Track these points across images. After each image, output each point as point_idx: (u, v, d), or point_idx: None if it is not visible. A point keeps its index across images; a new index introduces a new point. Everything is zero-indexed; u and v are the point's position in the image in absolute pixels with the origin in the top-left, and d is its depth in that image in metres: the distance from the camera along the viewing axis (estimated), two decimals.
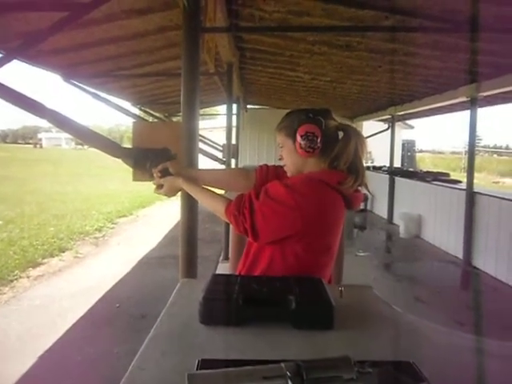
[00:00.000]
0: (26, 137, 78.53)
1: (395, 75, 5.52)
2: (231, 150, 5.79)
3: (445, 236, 6.98)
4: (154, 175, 1.70)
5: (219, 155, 6.38)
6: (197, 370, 0.79)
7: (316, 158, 1.47)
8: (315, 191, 1.39)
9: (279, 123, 1.55)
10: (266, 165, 1.77)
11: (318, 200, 1.38)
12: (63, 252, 6.63)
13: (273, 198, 1.36)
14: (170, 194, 1.72)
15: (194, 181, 1.63)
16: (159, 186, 1.69)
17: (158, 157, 1.81)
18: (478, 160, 7.33)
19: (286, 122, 1.53)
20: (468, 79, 5.14)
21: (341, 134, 1.48)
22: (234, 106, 7.91)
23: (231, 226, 1.56)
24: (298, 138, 1.44)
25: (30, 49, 2.88)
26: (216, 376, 0.70)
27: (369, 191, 1.52)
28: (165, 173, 1.70)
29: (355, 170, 1.45)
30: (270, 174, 1.70)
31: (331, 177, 1.43)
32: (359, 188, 1.48)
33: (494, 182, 21.01)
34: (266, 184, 1.46)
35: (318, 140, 1.43)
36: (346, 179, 1.42)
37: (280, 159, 1.58)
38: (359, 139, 1.48)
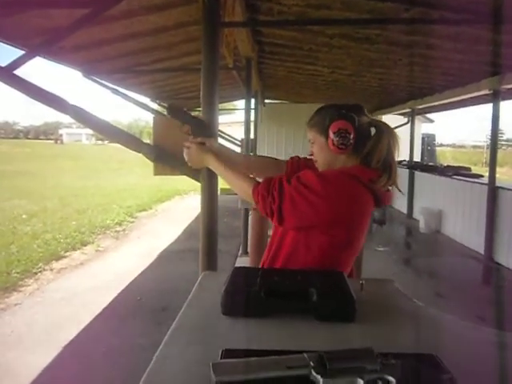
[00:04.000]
0: (47, 133, 79.88)
1: (415, 68, 5.45)
2: (250, 145, 5.80)
3: (466, 231, 6.88)
4: (189, 143, 1.70)
5: (238, 150, 6.40)
6: (221, 359, 0.80)
7: (348, 155, 1.46)
8: (346, 185, 1.37)
9: (310, 119, 1.54)
10: (298, 156, 1.77)
11: (348, 194, 1.37)
12: (85, 245, 6.75)
13: (304, 184, 1.35)
14: (198, 165, 1.72)
15: (224, 160, 1.61)
16: (189, 155, 1.69)
17: (197, 126, 1.81)
18: (500, 154, 7.19)
19: (317, 118, 1.51)
20: (490, 71, 5.03)
21: (373, 131, 1.46)
22: (252, 101, 7.90)
23: (250, 221, 1.57)
24: (331, 134, 1.42)
25: (52, 46, 2.91)
26: (240, 365, 0.71)
27: (399, 190, 1.50)
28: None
29: (388, 168, 1.43)
30: (302, 165, 1.70)
31: (364, 173, 1.41)
32: (389, 187, 1.47)
33: None
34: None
35: (351, 137, 1.41)
36: (380, 178, 1.41)
37: (310, 155, 1.56)
38: (392, 136, 1.46)
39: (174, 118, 1.94)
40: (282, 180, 1.39)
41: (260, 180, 1.46)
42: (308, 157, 1.59)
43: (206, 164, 1.66)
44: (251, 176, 1.54)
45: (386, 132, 1.45)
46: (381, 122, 1.52)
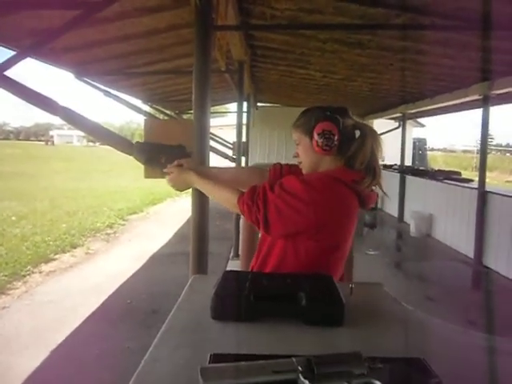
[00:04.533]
0: (38, 134, 79.38)
1: (406, 73, 5.49)
2: (241, 148, 5.80)
3: (456, 235, 6.93)
4: (168, 170, 1.71)
5: (229, 153, 6.39)
6: (209, 363, 0.80)
7: (332, 157, 1.47)
8: (330, 188, 1.38)
9: (296, 120, 1.54)
10: (280, 163, 1.76)
11: (333, 197, 1.38)
12: (75, 248, 6.71)
13: (288, 191, 1.36)
14: (182, 188, 1.73)
15: (205, 177, 1.63)
16: (171, 180, 1.70)
17: (173, 153, 1.83)
18: (490, 159, 7.27)
19: (302, 119, 1.52)
20: (480, 77, 5.09)
21: (357, 133, 1.47)
22: (245, 104, 7.91)
23: (242, 224, 1.57)
24: (315, 135, 1.44)
25: (43, 47, 2.90)
26: (228, 369, 0.71)
27: (383, 191, 1.52)
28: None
29: (372, 170, 1.44)
30: (284, 173, 1.70)
31: (347, 175, 1.42)
32: (373, 187, 1.48)
33: (506, 181, 20.81)
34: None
35: (335, 138, 1.42)
36: (364, 179, 1.42)
37: (295, 156, 1.57)
38: (375, 139, 1.47)
39: (141, 154, 1.94)
40: (265, 188, 1.39)
41: (244, 190, 1.46)
42: (293, 157, 1.59)
43: (189, 183, 1.67)
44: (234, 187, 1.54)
45: (370, 135, 1.47)
46: (365, 124, 1.54)
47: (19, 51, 2.20)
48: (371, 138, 1.46)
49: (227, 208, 1.54)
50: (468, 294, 4.96)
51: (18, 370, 3.06)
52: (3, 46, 3.21)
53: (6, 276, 5.12)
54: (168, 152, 1.85)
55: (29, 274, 5.31)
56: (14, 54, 2.00)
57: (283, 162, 1.80)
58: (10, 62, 1.89)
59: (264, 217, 1.36)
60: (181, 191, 1.81)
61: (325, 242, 1.40)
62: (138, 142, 2.00)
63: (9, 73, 1.87)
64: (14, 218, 8.58)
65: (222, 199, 1.53)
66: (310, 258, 1.40)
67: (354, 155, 1.44)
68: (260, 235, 1.57)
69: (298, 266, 1.40)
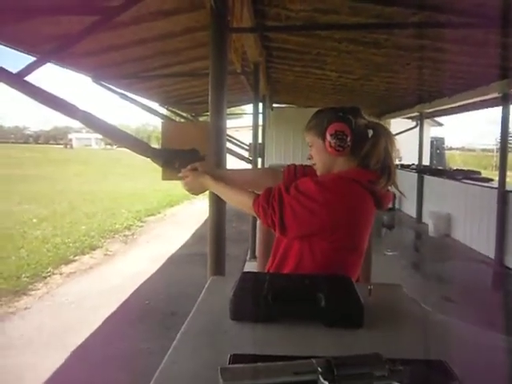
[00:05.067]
0: (57, 137, 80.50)
1: (423, 72, 5.44)
2: (257, 149, 5.81)
3: (476, 235, 6.82)
4: (183, 174, 1.72)
5: (246, 154, 6.41)
6: (229, 364, 0.80)
7: (346, 157, 1.46)
8: (345, 189, 1.38)
9: (308, 122, 1.54)
10: (294, 164, 1.76)
11: (348, 198, 1.38)
12: (94, 250, 6.79)
13: (303, 193, 1.36)
14: (197, 191, 1.72)
15: (220, 179, 1.63)
16: (187, 184, 1.70)
17: (187, 157, 1.84)
18: (510, 158, 7.13)
19: (315, 121, 1.52)
20: (499, 75, 5.01)
21: (370, 133, 1.46)
22: (260, 105, 7.91)
23: (258, 225, 1.57)
24: (328, 136, 1.43)
25: (62, 52, 2.94)
26: (247, 370, 0.71)
27: (399, 190, 1.50)
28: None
29: (386, 170, 1.43)
30: (299, 173, 1.69)
31: (362, 175, 1.42)
32: (389, 187, 1.47)
33: None
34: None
35: (348, 139, 1.42)
36: (379, 179, 1.41)
37: (309, 159, 1.57)
38: (389, 138, 1.46)
39: (157, 159, 1.97)
40: (281, 190, 1.39)
41: (259, 192, 1.46)
42: (307, 159, 1.59)
43: (205, 187, 1.67)
44: (249, 190, 1.54)
45: (383, 134, 1.46)
46: (378, 123, 1.53)
47: (39, 57, 2.24)
48: (384, 137, 1.45)
49: (243, 210, 1.54)
50: (488, 295, 4.87)
51: (40, 371, 3.11)
52: (23, 52, 3.27)
53: (27, 277, 5.21)
54: (181, 157, 1.86)
55: (49, 276, 5.40)
56: (34, 59, 2.04)
57: (299, 162, 1.80)
58: (30, 68, 1.93)
59: (280, 219, 1.36)
60: (197, 195, 1.82)
61: (340, 243, 1.40)
62: (152, 148, 2.03)
63: (29, 78, 1.91)
64: (34, 221, 8.73)
65: (238, 202, 1.53)
66: (326, 260, 1.40)
67: (367, 155, 1.43)
68: (275, 238, 1.57)
69: (316, 267, 1.40)
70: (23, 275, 5.27)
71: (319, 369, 0.69)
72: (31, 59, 2.01)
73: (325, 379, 0.68)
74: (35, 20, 2.87)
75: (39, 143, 75.11)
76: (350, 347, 0.96)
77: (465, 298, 4.60)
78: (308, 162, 1.63)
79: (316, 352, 0.79)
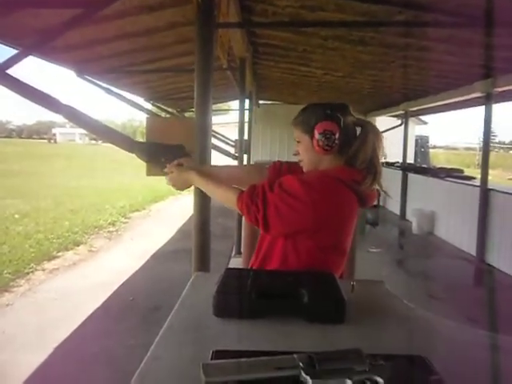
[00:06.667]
0: (40, 132, 79.45)
1: (409, 70, 5.48)
2: (243, 146, 5.80)
3: (458, 233, 6.92)
4: (168, 169, 1.71)
5: (231, 150, 6.39)
6: (211, 360, 0.80)
7: (333, 155, 1.46)
8: (329, 188, 1.38)
9: (295, 118, 1.53)
10: (280, 161, 1.75)
11: (332, 197, 1.37)
12: (78, 246, 6.73)
13: (287, 191, 1.35)
14: (182, 187, 1.71)
15: (206, 175, 1.62)
16: (172, 179, 1.69)
17: (172, 153, 1.83)
18: (492, 156, 7.24)
19: (302, 117, 1.50)
20: (483, 74, 5.07)
21: (358, 130, 1.46)
22: (247, 102, 7.90)
23: (243, 222, 1.56)
24: (316, 135, 1.42)
25: (44, 45, 2.91)
26: (230, 366, 0.71)
27: (384, 191, 1.50)
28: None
29: (373, 169, 1.43)
30: (284, 170, 1.68)
31: (347, 174, 1.41)
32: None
33: (509, 179, 20.74)
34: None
35: (336, 138, 1.41)
36: (365, 179, 1.41)
37: (295, 154, 1.56)
38: (377, 136, 1.45)
39: (142, 154, 1.96)
40: (264, 188, 1.39)
41: (244, 189, 1.45)
42: (293, 155, 1.58)
43: (189, 182, 1.66)
44: (235, 186, 1.53)
45: (372, 132, 1.45)
46: (366, 121, 1.52)
47: (21, 50, 2.20)
48: (373, 135, 1.44)
49: (227, 206, 1.53)
50: (470, 292, 4.95)
51: (22, 367, 3.08)
52: (5, 45, 3.21)
53: (9, 274, 5.14)
54: (167, 152, 1.85)
55: (32, 272, 5.33)
56: (16, 52, 2.01)
57: (285, 159, 1.79)
58: (12, 61, 1.90)
59: (263, 217, 1.35)
60: (181, 190, 1.81)
61: (324, 242, 1.40)
62: (138, 143, 2.01)
63: (11, 71, 1.88)
64: (17, 216, 8.60)
65: (222, 198, 1.52)
66: (310, 257, 1.40)
67: (355, 153, 1.43)
68: (259, 235, 1.57)
69: (300, 265, 1.40)
70: (5, 271, 5.19)
71: (301, 364, 0.70)
72: (13, 52, 1.98)
73: (306, 374, 0.69)
74: (17, 13, 2.82)
75: (22, 138, 74.05)
76: (332, 343, 0.96)
77: (448, 294, 4.67)
78: (294, 158, 1.61)
79: (298, 347, 0.79)
